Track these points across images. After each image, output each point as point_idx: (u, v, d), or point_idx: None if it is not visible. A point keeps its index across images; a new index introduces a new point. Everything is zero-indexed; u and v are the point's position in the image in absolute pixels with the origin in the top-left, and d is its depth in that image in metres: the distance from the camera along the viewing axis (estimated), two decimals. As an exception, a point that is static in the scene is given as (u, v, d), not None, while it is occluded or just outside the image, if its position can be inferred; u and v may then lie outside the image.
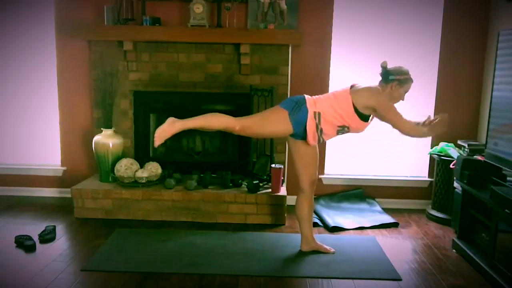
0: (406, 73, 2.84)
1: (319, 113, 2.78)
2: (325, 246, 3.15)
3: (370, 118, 2.88)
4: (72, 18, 4.03)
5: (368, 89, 2.80)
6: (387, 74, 2.85)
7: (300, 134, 2.85)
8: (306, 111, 2.78)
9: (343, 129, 2.86)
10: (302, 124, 2.79)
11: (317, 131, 2.81)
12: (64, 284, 2.63)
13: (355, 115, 2.78)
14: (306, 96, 2.86)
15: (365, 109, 2.79)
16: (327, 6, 4.00)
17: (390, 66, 2.87)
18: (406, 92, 2.87)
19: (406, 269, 2.93)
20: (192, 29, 3.81)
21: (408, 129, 2.77)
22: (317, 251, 3.12)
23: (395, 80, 2.82)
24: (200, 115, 2.82)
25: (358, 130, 2.89)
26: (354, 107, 2.77)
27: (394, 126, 2.79)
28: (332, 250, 3.14)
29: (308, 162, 3.01)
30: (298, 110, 2.78)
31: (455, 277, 2.84)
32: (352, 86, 2.85)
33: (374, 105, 2.75)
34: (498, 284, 2.64)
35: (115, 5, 3.87)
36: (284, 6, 3.77)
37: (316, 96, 2.88)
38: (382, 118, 2.81)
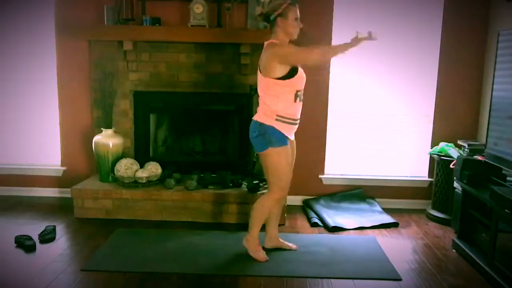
0: (280, 3, 2.72)
1: (260, 123, 2.79)
2: (288, 243, 3.16)
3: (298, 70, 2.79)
4: (72, 18, 4.02)
5: (263, 54, 2.77)
6: (267, 17, 2.76)
7: (281, 141, 2.82)
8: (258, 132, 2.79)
9: (296, 95, 2.78)
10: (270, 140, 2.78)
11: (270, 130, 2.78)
12: (64, 284, 2.64)
13: (279, 81, 2.71)
14: (257, 121, 2.83)
15: (277, 70, 2.70)
16: (327, 6, 4.00)
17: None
18: (296, 18, 2.75)
19: (406, 269, 2.93)
20: (192, 29, 3.81)
21: (318, 59, 2.81)
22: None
23: (276, 17, 2.73)
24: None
25: (299, 85, 2.80)
26: (271, 79, 2.72)
27: (306, 65, 2.80)
28: (295, 247, 3.14)
29: (292, 162, 3.01)
30: (262, 138, 2.79)
31: (455, 277, 2.84)
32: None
33: (275, 61, 2.69)
34: (498, 284, 2.64)
35: (115, 5, 3.87)
36: (283, 6, 3.75)
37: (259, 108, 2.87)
38: (293, 64, 2.73)
